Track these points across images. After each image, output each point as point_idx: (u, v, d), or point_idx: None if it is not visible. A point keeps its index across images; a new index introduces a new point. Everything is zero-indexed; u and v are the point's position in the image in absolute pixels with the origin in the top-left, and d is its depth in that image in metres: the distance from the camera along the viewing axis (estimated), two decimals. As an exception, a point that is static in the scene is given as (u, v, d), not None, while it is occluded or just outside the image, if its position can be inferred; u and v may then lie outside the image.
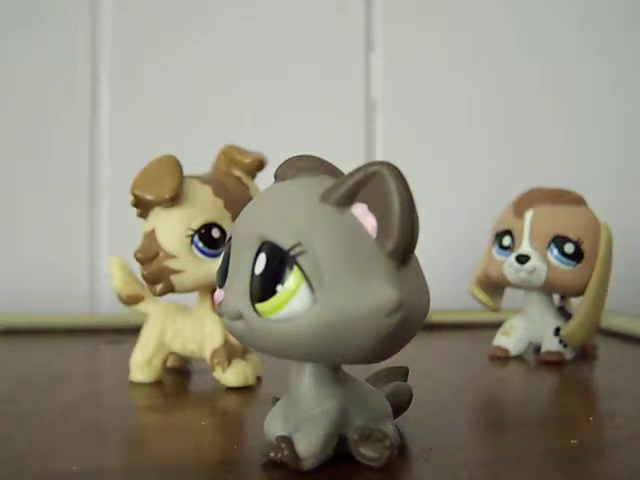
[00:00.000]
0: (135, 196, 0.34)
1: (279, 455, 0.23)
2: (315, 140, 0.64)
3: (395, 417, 0.27)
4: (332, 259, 0.21)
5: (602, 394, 0.40)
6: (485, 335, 0.50)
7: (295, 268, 0.21)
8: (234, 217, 0.34)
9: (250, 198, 0.33)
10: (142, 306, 0.40)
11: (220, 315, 0.24)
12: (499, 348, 0.47)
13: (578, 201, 0.46)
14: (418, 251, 0.23)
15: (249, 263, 0.22)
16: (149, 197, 0.34)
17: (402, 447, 0.26)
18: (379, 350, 0.22)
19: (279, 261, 0.21)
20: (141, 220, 0.36)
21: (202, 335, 0.37)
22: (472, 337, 0.58)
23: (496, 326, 0.49)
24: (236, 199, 0.36)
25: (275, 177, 0.25)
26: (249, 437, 0.29)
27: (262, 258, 0.22)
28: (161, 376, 0.38)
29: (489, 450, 0.27)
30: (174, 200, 0.34)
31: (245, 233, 0.23)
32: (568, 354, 0.46)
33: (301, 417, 0.24)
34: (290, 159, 0.25)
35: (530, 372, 0.44)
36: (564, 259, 0.44)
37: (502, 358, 0.47)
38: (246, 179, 0.38)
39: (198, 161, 0.38)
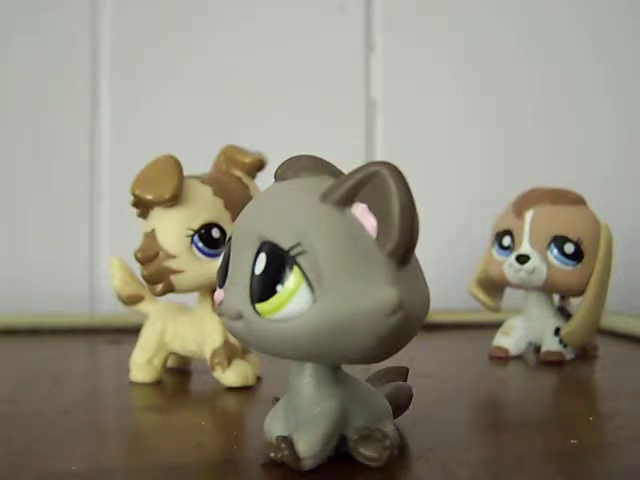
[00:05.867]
0: (135, 196, 0.34)
1: (279, 455, 0.23)
2: (315, 140, 0.64)
3: (395, 417, 0.27)
4: (332, 259, 0.21)
5: (602, 394, 0.39)
6: (485, 335, 0.50)
7: (295, 268, 0.21)
8: (234, 217, 0.34)
9: (250, 198, 0.33)
10: (142, 306, 0.40)
11: (220, 315, 0.24)
12: (499, 348, 0.47)
13: (578, 201, 0.46)
14: (418, 251, 0.23)
15: (249, 263, 0.22)
16: (149, 197, 0.34)
17: (402, 447, 0.26)
18: (379, 350, 0.22)
19: (279, 261, 0.21)
20: (141, 220, 0.36)
21: (202, 335, 0.37)
22: (472, 337, 0.58)
23: (496, 326, 0.49)
24: (236, 199, 0.36)
25: (275, 177, 0.25)
26: (249, 437, 0.29)
27: (262, 258, 0.22)
28: (161, 376, 0.38)
29: (489, 450, 0.27)
30: (174, 200, 0.34)
31: (245, 233, 0.23)
32: (568, 354, 0.46)
33: (301, 417, 0.24)
34: (290, 159, 0.25)
35: (530, 372, 0.44)
36: (564, 259, 0.44)
37: (502, 358, 0.47)
38: (246, 179, 0.38)
39: (198, 161, 0.38)
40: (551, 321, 0.47)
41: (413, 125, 0.70)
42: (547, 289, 0.46)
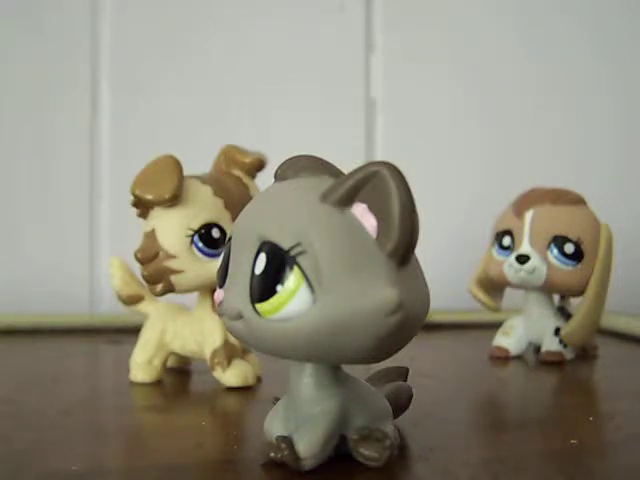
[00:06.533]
0: (135, 196, 0.34)
1: (279, 455, 0.23)
2: (315, 140, 0.64)
3: (395, 417, 0.27)
4: (332, 259, 0.21)
5: (602, 394, 0.40)
6: (485, 335, 0.50)
7: (295, 268, 0.21)
8: (234, 217, 0.34)
9: (250, 198, 0.33)
10: (142, 306, 0.40)
11: (220, 315, 0.24)
12: (499, 348, 0.47)
13: (578, 201, 0.46)
14: (418, 251, 0.23)
15: (249, 263, 0.22)
16: (149, 197, 0.34)
17: (402, 447, 0.26)
18: (379, 350, 0.22)
19: (279, 261, 0.21)
20: (141, 220, 0.36)
21: (202, 335, 0.37)
22: (472, 337, 0.58)
23: (496, 326, 0.49)
24: (236, 199, 0.36)
25: (275, 177, 0.25)
26: (249, 437, 0.29)
27: (262, 258, 0.22)
28: (161, 376, 0.38)
29: (489, 450, 0.27)
30: (174, 200, 0.34)
31: (245, 233, 0.23)
32: (568, 354, 0.46)
33: (301, 417, 0.24)
34: (290, 159, 0.25)
35: (530, 372, 0.44)
36: (564, 259, 0.44)
37: (502, 358, 0.47)
38: (246, 179, 0.38)
39: (198, 161, 0.38)
40: (551, 321, 0.47)
41: (413, 125, 0.70)
42: (547, 289, 0.46)
